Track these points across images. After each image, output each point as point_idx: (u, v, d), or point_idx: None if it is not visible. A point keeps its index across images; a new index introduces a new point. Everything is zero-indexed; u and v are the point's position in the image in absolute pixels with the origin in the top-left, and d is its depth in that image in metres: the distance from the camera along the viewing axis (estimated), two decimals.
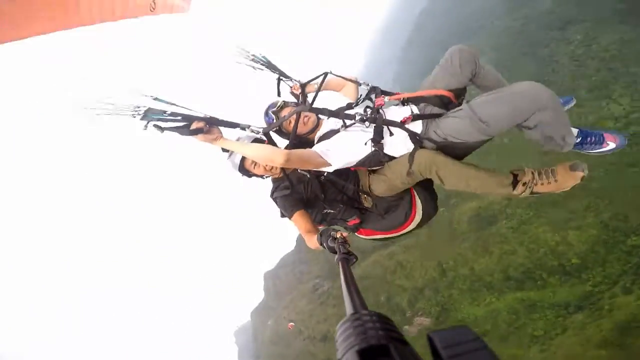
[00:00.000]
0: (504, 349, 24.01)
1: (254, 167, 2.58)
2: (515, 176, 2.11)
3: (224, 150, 2.34)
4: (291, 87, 2.86)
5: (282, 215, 2.68)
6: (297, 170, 2.58)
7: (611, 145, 2.19)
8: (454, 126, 2.11)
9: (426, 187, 2.54)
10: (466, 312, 28.62)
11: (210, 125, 2.12)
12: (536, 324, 23.19)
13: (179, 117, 2.03)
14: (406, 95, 2.37)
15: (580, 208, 25.21)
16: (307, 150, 2.34)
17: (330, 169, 2.35)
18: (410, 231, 2.65)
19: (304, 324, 53.02)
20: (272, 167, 2.53)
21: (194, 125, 2.05)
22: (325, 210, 2.61)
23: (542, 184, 2.08)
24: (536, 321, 23.15)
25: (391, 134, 2.28)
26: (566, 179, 2.04)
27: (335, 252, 1.56)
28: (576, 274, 25.57)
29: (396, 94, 2.47)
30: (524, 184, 2.07)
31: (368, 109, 2.39)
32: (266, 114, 2.68)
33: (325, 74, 2.67)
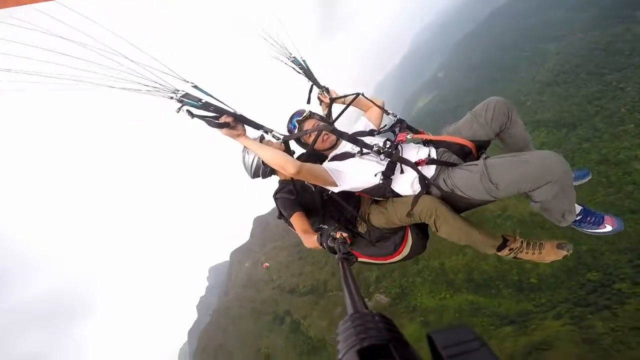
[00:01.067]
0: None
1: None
2: (505, 240, 2.17)
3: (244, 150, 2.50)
4: (319, 93, 2.87)
5: (280, 216, 2.72)
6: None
7: (608, 228, 2.14)
8: (464, 180, 2.07)
9: (421, 227, 2.57)
10: (420, 301, 31.52)
11: (237, 122, 2.16)
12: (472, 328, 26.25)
13: (211, 108, 2.06)
14: (429, 137, 2.37)
15: (562, 235, 26.87)
16: (319, 166, 2.33)
17: (335, 190, 2.37)
18: (394, 262, 2.67)
19: (278, 274, 56.79)
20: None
21: (222, 119, 2.11)
22: (319, 225, 2.66)
23: (526, 252, 2.18)
24: (473, 325, 25.93)
25: (402, 171, 2.27)
26: (550, 255, 2.15)
27: (335, 252, 1.60)
28: (527, 292, 27.95)
29: (420, 132, 2.45)
30: (511, 249, 2.17)
31: (388, 142, 2.39)
32: (290, 121, 2.69)
33: (357, 95, 2.75)
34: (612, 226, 2.13)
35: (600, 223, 2.15)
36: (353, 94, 2.75)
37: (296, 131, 2.61)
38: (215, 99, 2.09)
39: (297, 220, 2.50)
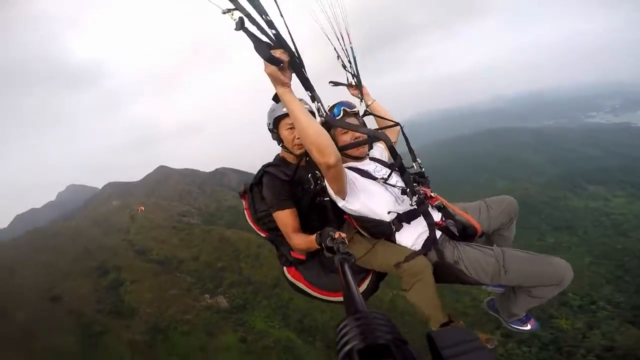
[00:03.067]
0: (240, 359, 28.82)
1: (286, 130, 2.30)
2: (450, 320, 2.16)
3: (275, 99, 1.80)
4: (353, 91, 2.72)
5: (257, 211, 2.40)
6: (308, 169, 2.25)
7: (529, 327, 2.39)
8: (476, 258, 2.02)
9: (380, 277, 2.46)
10: (252, 320, 33.52)
11: (289, 66, 1.65)
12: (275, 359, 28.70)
13: (272, 32, 1.57)
14: (450, 206, 2.24)
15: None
16: (345, 170, 2.05)
17: (339, 202, 2.10)
18: (331, 302, 2.45)
19: (140, 229, 52.09)
20: (301, 147, 2.23)
21: (277, 53, 1.57)
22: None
23: None
24: (279, 359, 28.80)
25: (410, 222, 2.15)
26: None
27: (334, 252, 1.58)
28: (333, 355, 32.34)
29: (435, 195, 2.27)
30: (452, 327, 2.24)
31: (420, 191, 2.17)
32: (336, 106, 2.34)
33: (397, 125, 2.54)
34: (532, 326, 2.39)
35: (525, 323, 2.39)
36: (393, 122, 2.57)
37: (340, 119, 2.27)
38: (284, 25, 1.60)
39: (289, 217, 2.19)
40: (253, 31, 1.52)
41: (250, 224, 2.48)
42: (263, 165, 2.39)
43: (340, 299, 2.20)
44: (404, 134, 2.46)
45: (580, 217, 51.92)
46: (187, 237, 46.10)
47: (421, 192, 2.15)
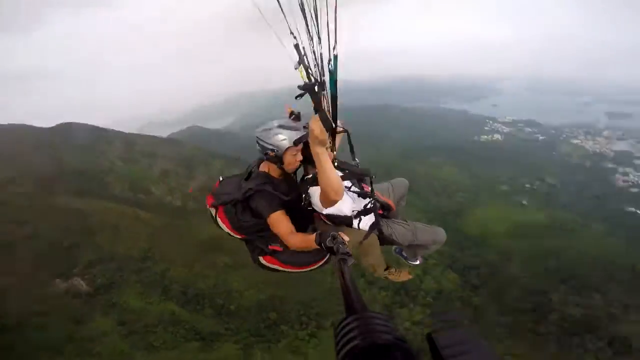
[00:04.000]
0: (120, 344, 25.77)
1: (292, 157, 2.60)
2: (388, 267, 3.49)
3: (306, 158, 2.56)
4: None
5: (256, 214, 2.66)
6: (289, 181, 2.81)
7: (419, 262, 3.73)
8: (401, 232, 3.06)
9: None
10: (125, 299, 29.47)
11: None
12: (163, 335, 26.91)
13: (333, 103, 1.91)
14: (379, 196, 2.98)
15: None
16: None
17: (322, 210, 2.68)
18: (301, 272, 2.99)
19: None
20: (295, 169, 2.73)
21: (340, 126, 2.21)
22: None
23: (393, 275, 3.56)
24: (167, 333, 27.00)
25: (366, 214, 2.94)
26: (403, 277, 3.63)
27: (334, 253, 1.61)
28: (224, 316, 32.05)
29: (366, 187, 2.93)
30: (390, 272, 3.55)
31: (374, 196, 2.89)
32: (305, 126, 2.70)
33: (346, 131, 2.78)
34: (420, 261, 3.74)
35: (416, 259, 3.74)
36: (344, 129, 2.86)
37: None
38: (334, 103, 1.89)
39: (282, 219, 2.52)
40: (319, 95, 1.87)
41: (227, 229, 2.83)
42: (256, 186, 2.61)
43: (305, 269, 2.94)
44: (349, 140, 2.79)
45: (421, 181, 64.97)
46: (16, 211, 35.17)
47: (375, 196, 2.89)
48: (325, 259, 2.94)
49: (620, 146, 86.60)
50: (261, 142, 2.54)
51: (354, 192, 2.87)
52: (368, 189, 2.90)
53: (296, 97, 2.91)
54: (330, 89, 1.82)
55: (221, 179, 2.96)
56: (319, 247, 2.01)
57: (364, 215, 2.89)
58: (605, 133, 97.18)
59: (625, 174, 70.21)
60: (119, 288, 29.49)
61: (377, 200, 2.93)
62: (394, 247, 3.79)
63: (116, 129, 72.82)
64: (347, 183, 2.88)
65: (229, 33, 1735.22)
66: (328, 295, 32.59)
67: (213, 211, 2.83)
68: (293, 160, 2.61)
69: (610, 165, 75.60)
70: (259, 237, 2.83)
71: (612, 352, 28.96)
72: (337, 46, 1.66)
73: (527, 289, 35.87)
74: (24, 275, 27.38)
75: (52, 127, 65.25)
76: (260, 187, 2.58)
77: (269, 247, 2.83)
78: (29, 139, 58.19)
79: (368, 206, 2.88)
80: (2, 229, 31.28)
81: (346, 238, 1.84)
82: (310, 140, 1.98)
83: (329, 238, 1.82)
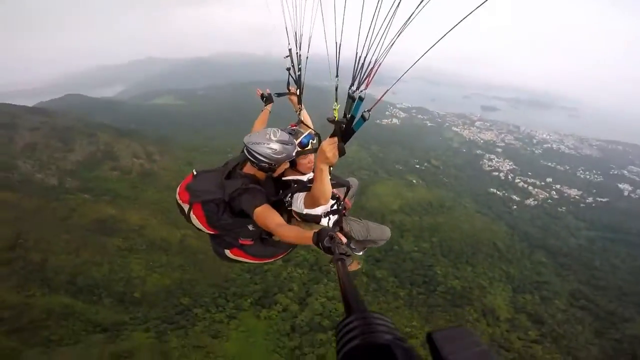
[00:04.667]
0: (5, 341, 21.56)
1: (304, 158, 2.96)
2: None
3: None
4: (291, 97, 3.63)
5: (237, 213, 2.76)
6: (270, 183, 2.95)
7: (362, 253, 3.97)
8: (357, 229, 3.44)
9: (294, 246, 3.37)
10: None
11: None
12: (58, 330, 23.49)
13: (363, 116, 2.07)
14: (343, 198, 3.38)
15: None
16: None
17: (302, 210, 2.96)
18: (265, 263, 3.29)
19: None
20: (281, 167, 2.84)
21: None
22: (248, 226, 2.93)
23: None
24: (61, 328, 23.64)
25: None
26: (353, 267, 4.04)
27: (331, 252, 1.63)
28: (128, 304, 29.66)
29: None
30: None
31: (341, 200, 3.36)
32: (306, 136, 2.98)
33: (316, 135, 3.16)
34: (362, 252, 3.98)
35: (361, 251, 4.01)
36: (314, 131, 3.23)
37: (308, 149, 2.99)
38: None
39: (270, 211, 2.55)
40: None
41: (201, 225, 2.84)
42: (242, 185, 2.66)
43: (267, 261, 3.24)
44: (320, 140, 3.14)
45: None
46: None
47: (340, 198, 3.30)
48: (288, 251, 3.28)
49: (488, 135, 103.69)
50: (255, 155, 2.63)
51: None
52: (340, 194, 3.31)
53: (276, 94, 3.70)
54: (354, 126, 2.04)
55: (195, 172, 2.93)
56: (315, 245, 2.00)
57: (332, 215, 3.24)
58: (478, 123, 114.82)
59: (490, 159, 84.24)
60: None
61: (343, 204, 3.34)
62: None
63: None
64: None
65: None
66: (242, 273, 32.45)
67: (186, 207, 2.81)
68: (303, 163, 2.97)
69: (479, 152, 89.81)
70: (232, 233, 2.94)
71: (486, 322, 32.82)
72: (364, 89, 1.94)
73: (419, 263, 39.88)
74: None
75: None
76: (246, 187, 2.64)
77: (240, 241, 2.95)
78: None
79: (335, 207, 3.25)
80: None
81: (344, 239, 1.86)
82: (318, 158, 2.20)
83: (327, 238, 1.80)
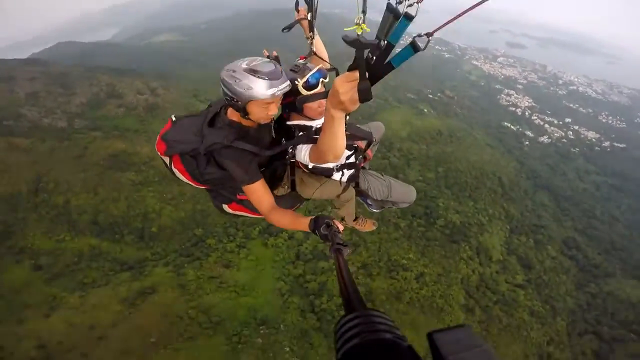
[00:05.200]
0: (47, 288, 24.49)
1: (259, 108, 2.03)
2: (356, 217, 3.42)
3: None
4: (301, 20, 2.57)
5: (223, 168, 2.21)
6: (266, 130, 2.38)
7: (378, 210, 3.47)
8: (377, 187, 2.93)
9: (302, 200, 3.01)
10: (32, 241, 26.76)
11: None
12: (90, 273, 26.34)
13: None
14: (360, 144, 2.72)
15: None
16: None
17: (309, 165, 2.40)
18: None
19: None
20: (267, 119, 2.14)
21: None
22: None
23: (359, 225, 3.47)
24: (92, 270, 26.42)
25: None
26: (368, 227, 3.55)
27: (328, 240, 1.54)
28: (148, 240, 32.18)
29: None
30: (357, 223, 3.49)
31: (359, 149, 2.72)
32: (314, 75, 2.17)
33: (334, 69, 2.50)
34: (378, 210, 3.50)
35: (379, 209, 3.54)
36: (331, 65, 2.57)
37: (317, 90, 2.22)
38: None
39: (262, 191, 2.15)
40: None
41: (187, 180, 2.42)
42: (226, 141, 2.07)
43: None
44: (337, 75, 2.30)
45: None
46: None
47: (360, 150, 2.69)
48: (296, 206, 2.89)
49: (510, 72, 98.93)
50: (223, 87, 1.99)
51: None
52: (361, 145, 2.68)
53: (283, 30, 2.62)
54: (394, 60, 1.34)
55: (173, 118, 2.36)
56: (312, 232, 1.83)
57: (347, 169, 2.71)
58: (500, 59, 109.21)
59: (509, 95, 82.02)
60: (20, 231, 26.09)
61: (363, 157, 2.80)
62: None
63: None
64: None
65: None
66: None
67: (166, 160, 2.38)
68: (263, 113, 2.07)
69: (498, 87, 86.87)
70: (227, 187, 2.49)
71: (478, 261, 33.44)
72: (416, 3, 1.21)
73: (422, 193, 38.98)
74: None
75: None
76: (229, 143, 2.08)
77: (238, 196, 2.52)
78: None
79: (352, 160, 2.69)
80: None
81: (340, 227, 1.72)
82: (329, 102, 1.47)
83: (324, 225, 1.69)
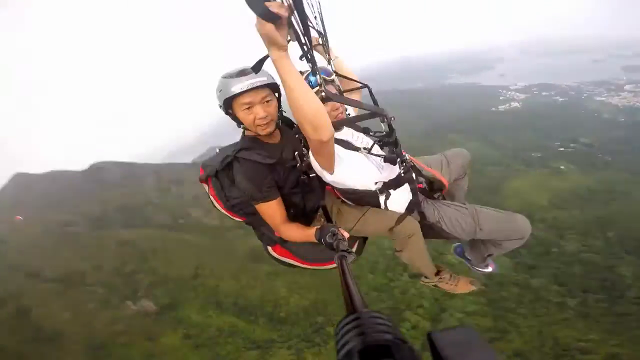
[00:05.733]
0: (191, 355, 28.43)
1: (243, 112, 1.89)
2: (439, 270, 2.51)
3: (254, 67, 1.50)
4: (319, 47, 2.33)
5: (230, 198, 2.11)
6: (292, 143, 2.07)
7: (491, 269, 2.69)
8: (455, 217, 2.13)
9: (366, 240, 2.47)
10: (187, 314, 32.35)
11: (289, 24, 1.31)
12: (226, 346, 29.14)
13: None
14: (424, 167, 2.29)
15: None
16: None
17: (326, 177, 2.03)
18: (318, 269, 2.45)
19: (21, 248, 41.25)
20: (264, 122, 1.90)
21: (274, 7, 1.20)
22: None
23: (446, 283, 2.52)
24: (229, 344, 29.16)
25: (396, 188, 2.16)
26: (463, 287, 2.54)
27: (334, 249, 1.55)
28: (276, 323, 34.07)
29: (410, 157, 2.28)
30: (440, 278, 2.51)
31: (406, 159, 2.18)
32: (314, 74, 2.00)
33: (365, 86, 2.48)
34: (492, 268, 2.67)
35: (487, 265, 2.66)
36: (361, 83, 2.48)
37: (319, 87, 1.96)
38: None
39: (276, 208, 1.99)
40: None
41: (223, 211, 2.24)
42: (232, 152, 1.97)
43: (325, 266, 2.37)
44: (372, 95, 2.32)
45: None
46: (79, 248, 39.11)
47: (405, 157, 2.17)
48: (355, 245, 2.43)
49: None
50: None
51: (377, 155, 2.13)
52: (418, 162, 2.30)
53: (300, 58, 2.05)
54: None
55: (217, 150, 2.22)
56: (318, 241, 1.75)
57: (394, 189, 2.13)
58: (628, 87, 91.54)
59: None
60: (181, 306, 32.05)
61: (412, 166, 2.23)
62: (453, 244, 3.03)
63: (145, 162, 77.26)
64: (367, 141, 2.20)
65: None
66: (369, 291, 32.81)
67: (205, 187, 2.21)
68: (249, 116, 1.87)
69: None
70: (260, 217, 2.10)
71: None
72: None
73: (592, 265, 31.82)
74: (100, 300, 31.05)
75: (86, 170, 70.56)
76: (239, 154, 1.95)
77: (275, 233, 2.18)
78: (68, 183, 63.39)
79: (400, 173, 2.13)
80: (71, 264, 35.18)
81: (346, 235, 1.64)
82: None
83: (329, 234, 1.62)
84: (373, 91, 2.41)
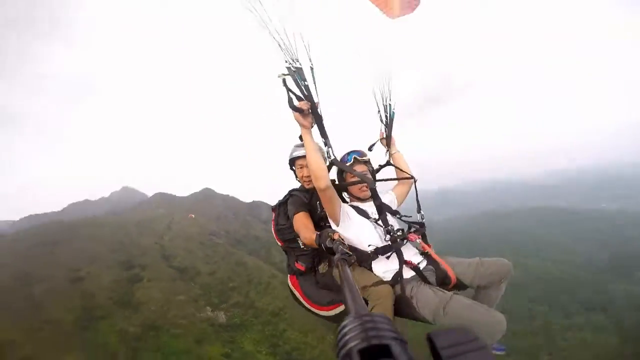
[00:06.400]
0: None
1: (299, 169, 2.93)
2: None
3: (300, 138, 2.45)
4: (382, 141, 3.15)
5: (279, 206, 2.95)
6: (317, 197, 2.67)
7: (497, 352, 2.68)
8: (425, 296, 2.18)
9: None
10: (242, 344, 33.38)
11: (310, 113, 2.29)
12: None
13: (303, 89, 2.25)
14: (432, 253, 2.45)
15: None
16: (338, 198, 2.54)
17: (333, 226, 2.55)
18: (318, 315, 2.68)
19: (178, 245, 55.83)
20: (308, 179, 2.81)
21: (300, 104, 2.24)
22: (298, 239, 2.70)
23: None
24: None
25: (388, 257, 2.41)
26: None
27: (333, 253, 1.64)
28: None
29: (428, 245, 2.51)
30: None
31: (400, 232, 2.50)
32: (348, 154, 2.81)
33: (411, 178, 2.96)
34: (498, 350, 2.61)
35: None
36: (409, 175, 2.99)
37: (347, 165, 2.73)
38: (314, 86, 2.27)
39: (304, 217, 2.63)
40: (292, 88, 2.24)
41: (273, 232, 3.00)
42: (290, 190, 2.94)
43: (320, 312, 2.66)
44: (415, 188, 2.91)
45: (619, 299, 46.70)
46: (210, 254, 48.80)
47: (400, 233, 2.48)
48: (332, 310, 2.62)
49: None
50: None
51: (380, 225, 2.53)
52: (428, 248, 2.48)
53: (370, 149, 3.18)
54: (299, 78, 2.24)
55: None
56: (318, 245, 2.02)
57: (382, 254, 2.42)
58: None
59: None
60: (245, 330, 34.63)
61: (431, 262, 2.42)
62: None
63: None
64: (373, 212, 2.60)
65: None
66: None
67: (273, 214, 3.02)
68: (299, 172, 2.92)
69: None
70: (291, 248, 2.85)
71: None
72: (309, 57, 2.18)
73: None
74: (192, 296, 37.25)
75: (249, 203, 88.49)
76: (292, 192, 2.86)
77: (296, 264, 2.82)
78: (233, 207, 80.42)
79: (390, 240, 2.43)
80: (196, 262, 44.48)
81: (341, 236, 1.92)
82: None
83: (328, 239, 1.85)
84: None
